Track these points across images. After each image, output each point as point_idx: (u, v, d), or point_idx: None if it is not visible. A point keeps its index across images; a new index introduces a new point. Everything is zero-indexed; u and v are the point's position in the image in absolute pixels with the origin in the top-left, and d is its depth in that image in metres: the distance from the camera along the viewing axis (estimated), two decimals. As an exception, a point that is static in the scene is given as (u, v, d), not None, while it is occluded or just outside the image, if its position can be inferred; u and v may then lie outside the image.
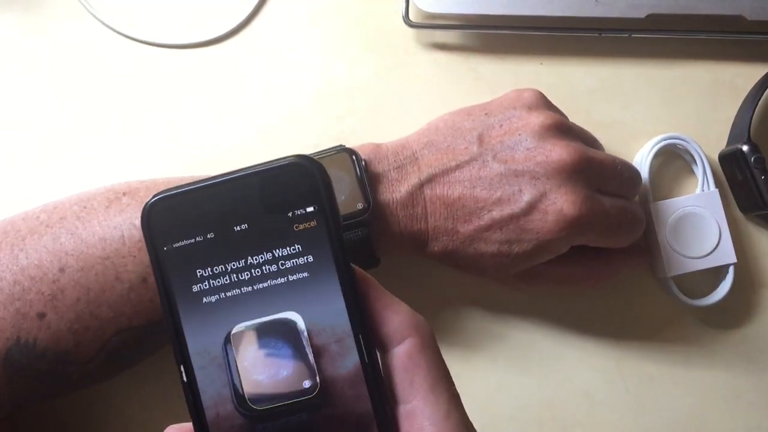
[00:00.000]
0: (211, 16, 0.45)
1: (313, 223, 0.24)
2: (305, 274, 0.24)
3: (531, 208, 0.35)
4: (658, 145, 0.42)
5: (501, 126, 0.37)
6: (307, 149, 0.44)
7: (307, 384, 0.24)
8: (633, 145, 0.43)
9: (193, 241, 0.24)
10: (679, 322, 0.42)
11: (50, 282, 0.33)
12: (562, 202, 0.35)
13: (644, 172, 0.42)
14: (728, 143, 0.43)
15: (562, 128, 0.37)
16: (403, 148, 0.38)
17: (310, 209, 0.24)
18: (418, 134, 0.39)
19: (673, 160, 0.43)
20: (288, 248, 0.24)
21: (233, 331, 0.24)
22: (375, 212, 0.36)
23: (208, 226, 0.24)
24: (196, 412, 0.24)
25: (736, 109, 0.43)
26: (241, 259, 0.24)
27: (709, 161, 0.42)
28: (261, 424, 0.24)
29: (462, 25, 0.44)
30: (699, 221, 0.41)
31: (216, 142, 0.44)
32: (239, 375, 0.24)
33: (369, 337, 0.24)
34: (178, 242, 0.24)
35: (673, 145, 0.42)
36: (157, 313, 0.34)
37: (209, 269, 0.24)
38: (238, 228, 0.24)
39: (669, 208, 0.41)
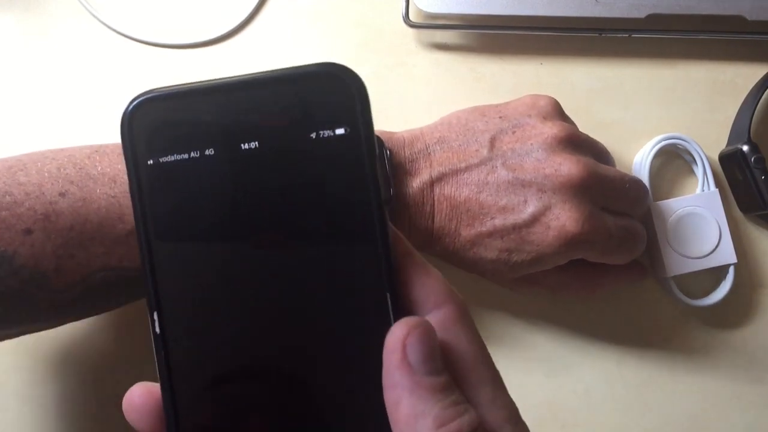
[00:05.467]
0: (211, 16, 0.45)
1: (342, 149, 0.19)
2: (327, 208, 0.19)
3: (534, 220, 0.35)
4: (658, 145, 0.42)
5: (514, 132, 0.37)
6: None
7: (310, 335, 0.20)
8: (633, 145, 0.43)
9: (186, 156, 0.19)
10: (679, 322, 0.42)
11: (47, 203, 0.31)
12: (565, 218, 0.35)
13: (644, 172, 0.42)
14: (728, 143, 0.43)
15: (575, 141, 0.37)
16: (417, 140, 0.37)
17: (340, 131, 0.19)
18: (430, 128, 0.38)
19: (673, 160, 0.43)
20: (308, 176, 0.19)
21: (225, 261, 0.20)
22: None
23: (208, 140, 0.19)
24: (167, 369, 0.20)
25: (736, 109, 0.43)
26: (246, 185, 0.19)
27: (710, 161, 0.42)
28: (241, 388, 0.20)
29: (462, 25, 0.44)
30: (699, 221, 0.41)
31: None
32: (229, 325, 0.19)
33: (397, 295, 0.20)
34: (166, 156, 0.19)
35: (674, 145, 0.42)
36: None
37: (202, 192, 0.19)
38: (246, 146, 0.19)
39: (669, 208, 0.41)
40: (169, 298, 0.19)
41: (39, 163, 0.33)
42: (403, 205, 0.36)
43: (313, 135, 0.19)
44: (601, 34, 0.43)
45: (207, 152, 0.19)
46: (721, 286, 0.41)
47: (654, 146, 0.42)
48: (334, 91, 0.20)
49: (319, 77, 0.20)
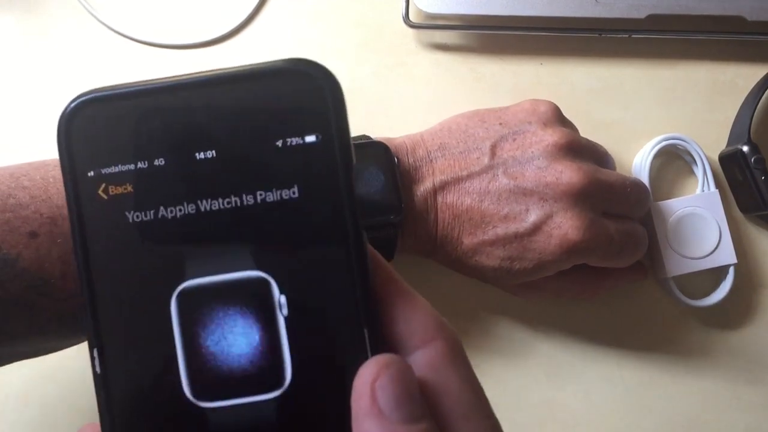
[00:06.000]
0: (211, 16, 0.45)
1: (313, 159, 0.17)
2: (294, 229, 0.17)
3: (536, 228, 0.35)
4: (659, 146, 0.42)
5: (514, 140, 0.37)
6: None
7: (273, 377, 0.17)
8: (633, 145, 0.43)
9: (132, 167, 0.17)
10: (679, 323, 0.42)
11: (53, 206, 0.30)
12: (567, 227, 0.35)
13: (644, 173, 0.42)
14: (728, 144, 0.43)
15: (575, 148, 0.37)
16: (418, 146, 0.37)
17: (310, 139, 0.17)
18: (430, 134, 0.38)
19: (673, 160, 0.43)
20: (272, 192, 0.17)
21: (177, 292, 0.17)
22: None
23: (158, 149, 0.17)
24: (109, 414, 0.17)
25: (737, 110, 0.43)
26: (202, 201, 0.17)
27: (710, 162, 0.42)
28: (202, 427, 0.17)
29: (462, 25, 0.44)
30: (699, 222, 0.41)
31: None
32: (180, 358, 0.17)
33: (376, 330, 0.17)
34: (109, 167, 0.17)
35: (674, 146, 0.42)
36: None
37: (153, 210, 0.17)
38: (202, 155, 0.17)
39: (669, 208, 0.41)
40: (113, 332, 0.17)
41: (42, 170, 0.32)
42: (408, 214, 0.36)
43: (279, 143, 0.17)
44: (601, 34, 0.43)
45: (156, 162, 0.17)
46: (721, 286, 0.41)
47: (654, 146, 0.42)
48: (304, 91, 0.17)
49: (287, 75, 0.17)
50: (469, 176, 0.36)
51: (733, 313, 0.42)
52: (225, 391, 0.17)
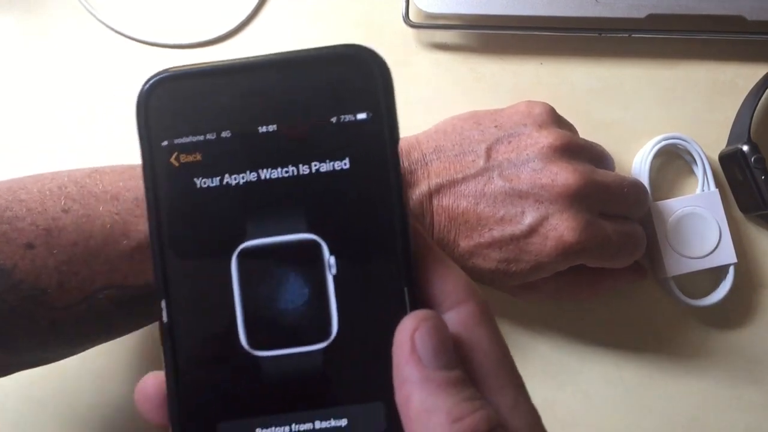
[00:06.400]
0: (211, 16, 0.45)
1: (364, 136, 0.19)
2: (344, 198, 0.19)
3: (532, 231, 0.35)
4: (658, 145, 0.42)
5: (510, 142, 0.37)
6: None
7: (321, 330, 0.19)
8: (633, 145, 0.43)
9: (201, 138, 0.19)
10: (679, 322, 0.42)
11: (49, 218, 0.31)
12: (563, 229, 0.34)
13: (644, 172, 0.42)
14: (728, 143, 0.43)
15: (571, 149, 0.36)
16: (413, 149, 0.37)
17: (361, 116, 0.19)
18: (426, 136, 0.38)
19: (673, 160, 0.43)
20: (326, 163, 0.19)
21: (237, 252, 0.19)
22: None
23: (225, 123, 0.19)
24: (173, 359, 0.19)
25: (737, 109, 0.43)
26: (263, 170, 0.19)
27: (710, 161, 0.42)
28: (256, 374, 0.19)
29: (462, 25, 0.44)
30: (699, 221, 0.41)
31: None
32: (237, 310, 0.19)
33: (415, 291, 0.19)
34: (181, 137, 0.19)
35: (674, 145, 0.42)
36: None
37: (218, 177, 0.19)
38: (264, 129, 0.19)
39: (669, 208, 0.41)
40: (178, 286, 0.19)
41: (39, 183, 0.32)
42: None
43: (334, 119, 0.19)
44: (601, 34, 0.43)
45: (223, 134, 0.19)
46: (721, 286, 0.41)
47: (654, 146, 0.42)
48: (357, 73, 0.19)
49: (343, 59, 0.19)
50: (465, 179, 0.36)
51: (733, 313, 0.42)
52: (277, 341, 0.19)
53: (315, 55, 0.19)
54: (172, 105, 0.19)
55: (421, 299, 0.19)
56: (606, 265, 0.38)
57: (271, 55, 0.20)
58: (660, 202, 0.41)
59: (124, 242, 0.32)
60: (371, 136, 0.19)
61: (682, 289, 0.41)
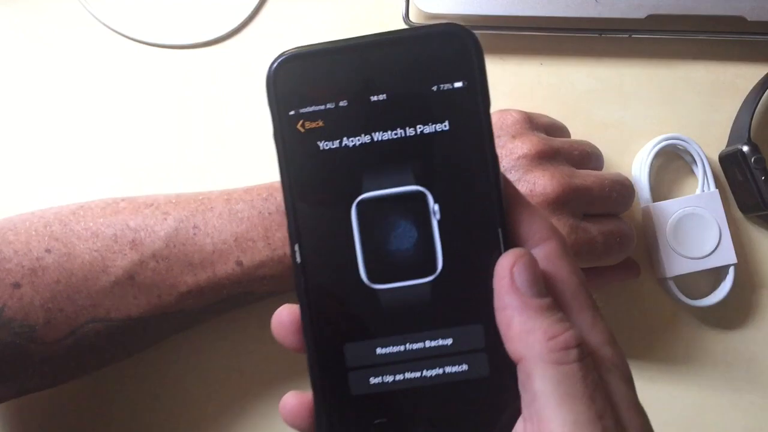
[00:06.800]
0: (211, 16, 0.45)
1: (461, 101, 0.22)
2: (445, 154, 0.22)
3: None
4: (659, 146, 0.42)
5: None
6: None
7: (428, 266, 0.22)
8: (633, 145, 0.43)
9: (323, 107, 0.22)
10: (679, 323, 0.42)
11: (34, 259, 0.33)
12: None
13: (644, 173, 0.42)
14: (728, 144, 0.43)
15: (548, 154, 0.36)
16: None
17: (458, 84, 0.22)
18: None
19: (673, 160, 0.43)
20: (428, 125, 0.22)
21: (356, 202, 0.22)
22: None
23: (342, 94, 0.22)
24: (306, 292, 0.22)
25: (737, 110, 0.43)
26: (375, 133, 0.22)
27: (710, 162, 0.42)
28: (375, 303, 0.22)
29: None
30: (699, 222, 0.41)
31: (216, 140, 0.44)
32: (357, 250, 0.22)
33: (507, 230, 0.22)
34: (305, 107, 0.22)
35: (674, 146, 0.42)
36: (137, 309, 0.34)
37: (338, 140, 0.22)
38: (376, 98, 0.22)
39: (669, 208, 0.41)
40: (307, 233, 0.22)
41: (27, 222, 0.35)
42: None
43: (435, 87, 0.22)
44: (601, 34, 0.43)
45: (341, 103, 0.22)
46: (721, 286, 0.41)
47: (654, 146, 0.42)
48: (453, 48, 0.22)
49: (440, 36, 0.22)
50: None
51: (733, 313, 0.42)
52: (391, 275, 0.22)
53: (417, 34, 0.22)
54: (296, 80, 0.22)
55: (511, 238, 0.22)
56: (596, 264, 0.37)
57: (379, 34, 0.22)
58: (660, 203, 0.41)
59: (104, 278, 0.34)
60: (467, 101, 0.22)
61: (682, 289, 0.41)
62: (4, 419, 0.41)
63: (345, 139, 0.22)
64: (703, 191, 0.42)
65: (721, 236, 0.41)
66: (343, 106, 0.22)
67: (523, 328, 0.21)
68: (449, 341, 0.22)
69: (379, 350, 0.22)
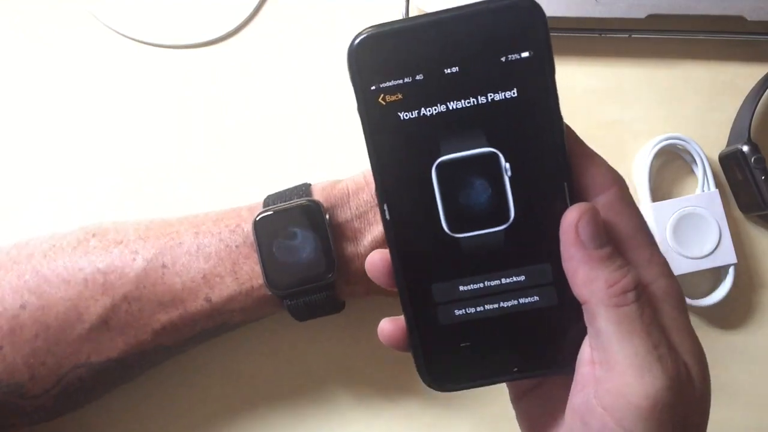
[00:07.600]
0: (211, 16, 0.45)
1: (528, 70, 0.24)
2: (514, 119, 0.24)
3: None
4: (659, 146, 0.42)
5: None
6: (308, 147, 0.44)
7: (501, 216, 0.25)
8: (633, 145, 0.43)
9: (401, 81, 0.24)
10: (679, 323, 0.42)
11: (10, 317, 0.34)
12: None
13: (644, 172, 0.42)
14: (728, 143, 0.43)
15: None
16: (361, 190, 0.36)
17: (525, 54, 0.24)
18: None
19: (673, 160, 0.43)
20: (498, 93, 0.24)
21: (435, 164, 0.24)
22: (340, 268, 0.35)
23: (418, 68, 0.24)
24: (396, 244, 0.25)
25: (737, 110, 0.43)
26: (450, 102, 0.24)
27: (710, 161, 0.42)
28: (456, 249, 0.25)
29: (462, 25, 0.44)
30: (699, 221, 0.41)
31: (216, 140, 0.44)
32: (439, 205, 0.25)
33: (572, 184, 0.24)
34: (385, 82, 0.24)
35: (674, 146, 0.42)
36: (115, 351, 0.35)
37: (416, 110, 0.24)
38: (449, 71, 0.24)
39: (669, 208, 0.41)
40: (394, 193, 0.25)
41: (2, 271, 0.35)
42: (356, 269, 0.35)
43: (503, 58, 0.24)
44: (601, 34, 0.43)
45: (417, 77, 0.24)
46: (721, 286, 0.41)
47: (654, 146, 0.42)
48: (519, 20, 0.23)
49: (507, 9, 0.23)
50: None
51: (733, 313, 0.42)
52: (470, 225, 0.25)
53: (485, 8, 0.23)
54: (375, 56, 0.24)
55: (576, 189, 0.24)
56: None
57: (450, 9, 0.23)
58: (660, 202, 0.41)
59: (80, 326, 0.34)
60: (533, 69, 0.24)
61: (683, 289, 0.41)
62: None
63: (423, 109, 0.24)
64: (703, 191, 0.42)
65: (721, 236, 0.41)
66: (419, 80, 0.24)
67: (588, 276, 0.24)
68: (522, 278, 0.25)
69: (461, 288, 0.25)
